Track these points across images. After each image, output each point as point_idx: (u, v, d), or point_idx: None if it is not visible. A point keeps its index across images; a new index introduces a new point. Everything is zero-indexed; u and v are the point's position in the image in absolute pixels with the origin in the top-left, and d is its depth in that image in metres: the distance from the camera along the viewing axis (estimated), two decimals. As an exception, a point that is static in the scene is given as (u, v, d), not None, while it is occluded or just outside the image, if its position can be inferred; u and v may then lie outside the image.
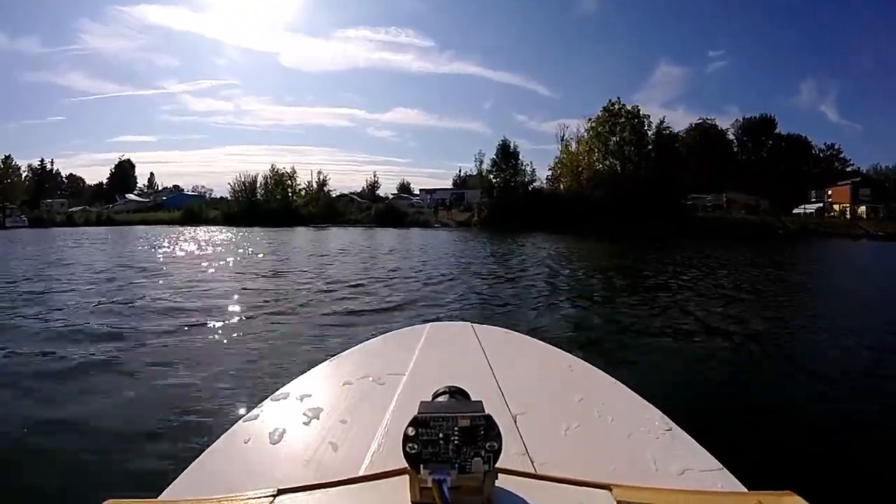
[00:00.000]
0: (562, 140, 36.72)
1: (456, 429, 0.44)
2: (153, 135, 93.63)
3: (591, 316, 5.30)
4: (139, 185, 57.17)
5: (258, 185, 44.82)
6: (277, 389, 0.82)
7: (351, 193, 47.64)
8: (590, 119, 34.68)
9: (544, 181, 37.85)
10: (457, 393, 0.55)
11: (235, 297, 5.93)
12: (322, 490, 0.50)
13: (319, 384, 0.87)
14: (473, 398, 0.53)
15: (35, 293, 6.12)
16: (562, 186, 35.42)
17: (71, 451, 2.11)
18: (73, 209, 43.62)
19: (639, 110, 34.04)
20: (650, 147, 33.50)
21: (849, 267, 13.68)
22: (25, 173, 50.05)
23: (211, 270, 8.98)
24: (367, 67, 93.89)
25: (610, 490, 0.48)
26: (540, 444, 0.63)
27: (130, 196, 50.57)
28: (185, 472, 0.60)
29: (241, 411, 0.73)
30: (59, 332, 4.03)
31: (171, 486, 0.57)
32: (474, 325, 1.17)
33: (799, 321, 5.23)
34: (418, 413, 0.45)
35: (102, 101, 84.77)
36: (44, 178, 53.45)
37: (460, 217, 35.57)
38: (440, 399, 0.54)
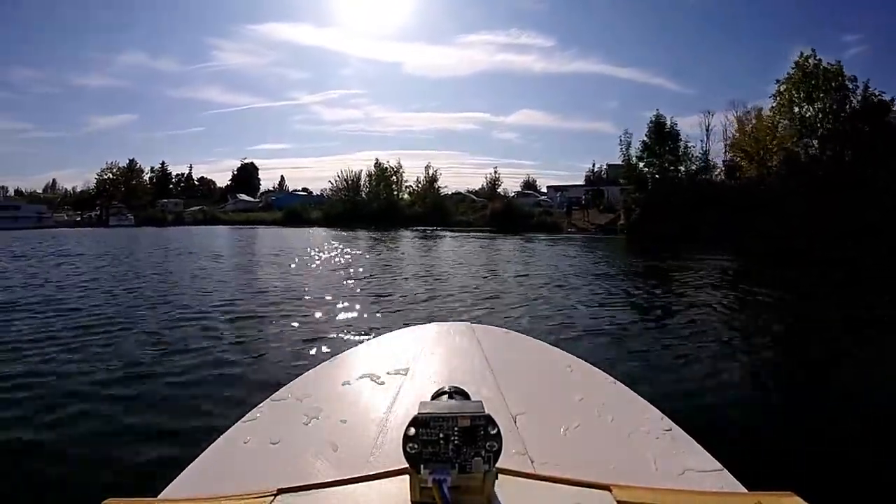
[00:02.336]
0: (707, 131, 26.47)
1: (456, 429, 0.44)
2: (288, 143, 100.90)
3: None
4: (265, 187, 57.65)
5: (362, 182, 39.61)
6: (277, 389, 0.82)
7: (467, 191, 40.02)
8: (779, 82, 22.13)
9: (720, 169, 26.38)
10: (457, 393, 0.55)
11: (236, 297, 5.93)
12: (322, 490, 0.50)
13: (319, 384, 0.87)
14: (473, 398, 0.53)
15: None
16: (741, 174, 23.62)
17: (71, 451, 2.11)
18: (192, 209, 44.70)
19: (841, 68, 21.21)
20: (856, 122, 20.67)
21: None
22: (148, 175, 54.38)
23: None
24: (489, 71, 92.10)
25: (610, 490, 0.48)
26: (540, 444, 0.63)
27: (241, 196, 50.25)
28: (184, 471, 0.60)
29: (241, 411, 0.73)
30: (56, 333, 4.03)
31: (170, 486, 0.57)
32: (474, 325, 1.17)
33: (801, 324, 5.22)
34: (418, 413, 0.45)
35: (238, 112, 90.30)
36: (163, 179, 56.96)
37: (600, 219, 25.60)
38: (440, 399, 0.54)
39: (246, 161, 61.33)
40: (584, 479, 0.50)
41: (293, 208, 39.72)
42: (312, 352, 3.43)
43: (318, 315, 4.91)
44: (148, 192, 51.12)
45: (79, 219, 43.37)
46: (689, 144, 24.04)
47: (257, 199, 49.82)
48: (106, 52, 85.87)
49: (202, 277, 7.73)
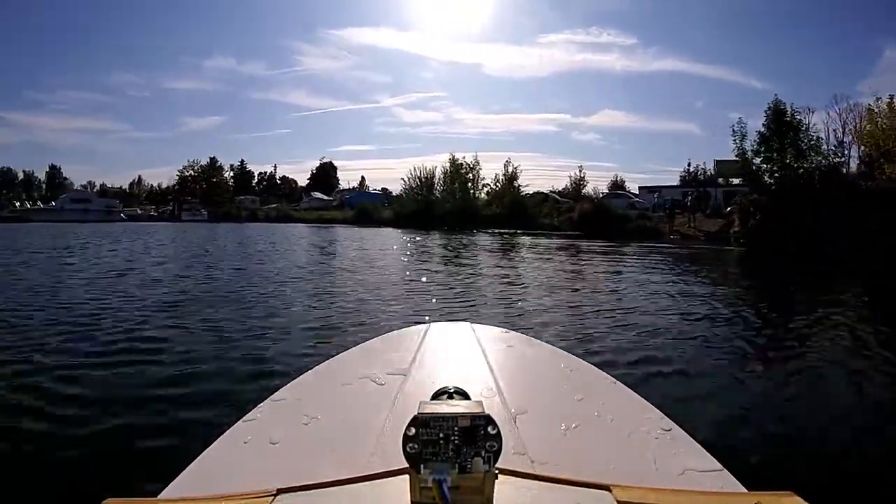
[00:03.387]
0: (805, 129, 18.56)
1: (456, 429, 0.44)
2: (370, 144, 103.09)
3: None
4: (344, 187, 58.23)
5: (436, 180, 35.98)
6: (277, 389, 0.82)
7: (550, 191, 35.90)
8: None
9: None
10: (457, 393, 0.55)
11: (236, 297, 5.93)
12: (322, 490, 0.50)
13: (319, 384, 0.87)
14: (473, 398, 0.53)
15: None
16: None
17: (71, 451, 2.11)
18: (268, 206, 46.30)
19: None
20: None
21: None
22: (229, 173, 57.07)
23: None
24: (570, 70, 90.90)
25: (610, 490, 0.49)
26: (540, 444, 0.63)
27: (316, 194, 50.92)
28: (184, 471, 0.60)
29: (241, 411, 0.73)
30: (52, 334, 4.03)
31: (170, 486, 0.57)
32: (474, 325, 1.17)
33: (802, 324, 5.23)
34: (418, 413, 0.45)
35: (322, 115, 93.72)
36: (242, 177, 59.85)
37: (708, 225, 20.72)
38: (440, 399, 0.54)
39: (324, 160, 62.51)
40: (584, 479, 0.51)
41: (364, 207, 38.30)
42: (310, 349, 3.44)
43: (322, 313, 4.92)
44: (227, 189, 53.04)
45: (152, 213, 46.12)
46: (818, 136, 18.70)
47: (332, 198, 49.67)
48: (197, 58, 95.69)
49: (188, 277, 7.74)
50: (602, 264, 10.64)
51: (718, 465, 0.61)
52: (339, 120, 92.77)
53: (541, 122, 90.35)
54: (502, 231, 24.39)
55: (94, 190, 52.93)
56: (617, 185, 41.06)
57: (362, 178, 61.74)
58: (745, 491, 0.55)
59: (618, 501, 0.47)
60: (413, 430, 0.44)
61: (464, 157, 36.05)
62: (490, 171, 35.90)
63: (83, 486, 1.79)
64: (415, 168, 36.73)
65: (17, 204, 44.75)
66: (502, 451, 0.45)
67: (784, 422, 2.53)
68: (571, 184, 38.35)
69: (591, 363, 0.96)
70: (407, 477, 0.45)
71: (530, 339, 1.14)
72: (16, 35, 78.44)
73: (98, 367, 3.19)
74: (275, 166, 64.32)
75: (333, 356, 0.99)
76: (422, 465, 0.44)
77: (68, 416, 2.46)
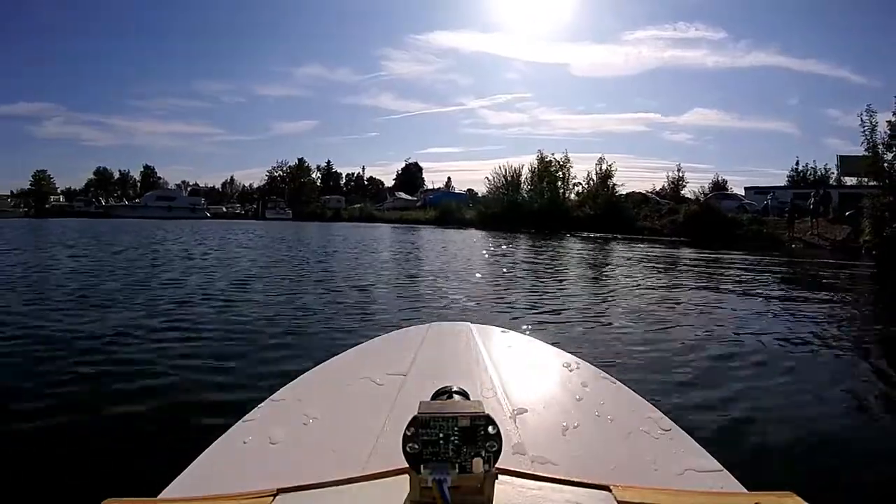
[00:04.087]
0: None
1: (456, 429, 0.44)
2: (456, 146, 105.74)
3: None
4: (428, 186, 58.33)
5: (523, 179, 33.14)
6: (277, 389, 0.82)
7: (648, 192, 32.31)
8: None
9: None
10: (457, 393, 0.55)
11: (237, 297, 5.93)
12: (322, 490, 0.50)
13: (319, 384, 0.87)
14: (473, 398, 0.53)
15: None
16: None
17: (71, 451, 2.11)
18: (353, 206, 47.11)
19: None
20: None
21: None
22: (316, 174, 59.64)
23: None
24: (658, 68, 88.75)
25: (609, 490, 0.49)
26: (540, 444, 0.63)
27: (400, 194, 50.97)
28: (184, 471, 0.60)
29: (241, 411, 0.73)
30: (50, 334, 4.03)
31: (170, 486, 0.57)
32: (474, 325, 1.17)
33: (802, 323, 5.23)
34: (418, 413, 0.45)
35: (409, 118, 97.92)
36: (329, 177, 62.37)
37: (833, 232, 17.22)
38: (440, 399, 0.54)
39: (410, 161, 63.47)
40: (584, 479, 0.51)
41: (447, 206, 36.23)
42: (310, 349, 3.44)
43: (322, 313, 4.91)
44: (314, 189, 55.33)
45: (238, 211, 48.77)
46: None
47: (415, 198, 49.21)
48: (287, 66, 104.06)
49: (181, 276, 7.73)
50: (727, 282, 8.21)
51: (718, 465, 0.61)
52: (426, 122, 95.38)
53: (629, 121, 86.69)
54: (595, 235, 21.47)
55: (188, 189, 55.10)
56: (719, 186, 35.51)
57: (448, 178, 61.46)
58: (745, 491, 0.55)
59: (618, 501, 0.47)
60: (413, 430, 0.44)
61: (552, 154, 32.80)
62: (578, 172, 32.45)
63: (83, 486, 1.79)
64: (500, 166, 33.90)
65: (103, 201, 48.07)
66: (502, 451, 0.45)
67: (784, 422, 2.53)
68: (669, 184, 34.07)
69: (591, 363, 0.96)
70: (407, 477, 0.46)
71: (530, 339, 1.14)
72: (118, 47, 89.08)
73: (98, 366, 3.19)
74: (363, 168, 66.73)
75: (333, 356, 0.99)
76: (422, 465, 0.44)
77: (68, 415, 2.46)
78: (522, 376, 0.89)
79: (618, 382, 0.86)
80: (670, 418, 0.72)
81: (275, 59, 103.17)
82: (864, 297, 7.80)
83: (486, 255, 12.54)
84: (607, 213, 26.05)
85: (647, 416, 0.73)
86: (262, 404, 0.77)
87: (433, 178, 63.79)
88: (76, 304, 5.27)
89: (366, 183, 65.39)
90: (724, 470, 0.60)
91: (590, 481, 0.50)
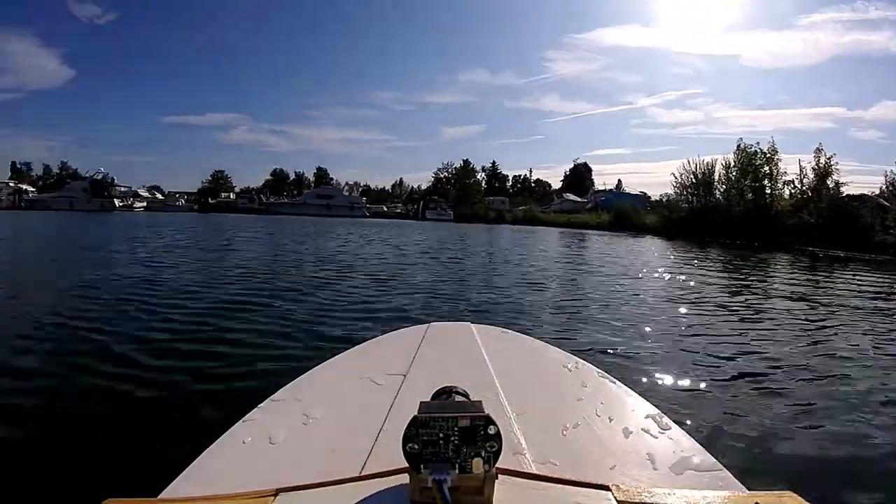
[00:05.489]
0: None
1: (456, 429, 0.44)
2: (625, 147, 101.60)
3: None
4: (596, 187, 56.95)
5: (717, 177, 27.13)
6: (277, 389, 0.82)
7: (876, 194, 24.33)
8: None
9: None
10: (457, 393, 0.55)
11: (238, 297, 5.93)
12: (322, 490, 0.50)
13: (319, 384, 0.87)
14: (473, 398, 0.53)
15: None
16: None
17: (71, 451, 2.11)
18: (517, 208, 46.00)
19: None
20: None
21: None
22: (480, 175, 60.99)
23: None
24: (839, 55, 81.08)
25: (609, 490, 0.49)
26: (540, 444, 0.63)
27: (568, 196, 49.66)
28: (184, 471, 0.60)
29: (242, 411, 0.74)
30: (50, 334, 4.03)
31: (170, 486, 0.57)
32: (474, 325, 1.17)
33: (802, 323, 5.23)
34: (418, 413, 0.45)
35: (575, 119, 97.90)
36: (493, 179, 63.22)
37: None
38: (440, 399, 0.54)
39: (579, 161, 62.80)
40: (583, 478, 0.51)
41: (622, 209, 30.98)
42: (310, 349, 3.44)
43: (322, 312, 4.92)
44: (478, 191, 56.64)
45: (398, 210, 50.72)
46: None
47: (585, 199, 47.21)
48: (452, 73, 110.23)
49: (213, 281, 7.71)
50: None
51: (718, 465, 0.61)
52: (593, 123, 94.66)
53: (811, 117, 75.83)
54: (817, 249, 15.58)
55: (359, 189, 59.89)
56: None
57: (619, 181, 59.25)
58: (745, 490, 0.55)
59: (617, 501, 0.47)
60: (413, 430, 0.44)
61: (757, 144, 25.69)
62: (759, 141, 26.25)
63: (83, 486, 1.79)
64: (689, 161, 27.78)
65: (264, 198, 51.95)
66: (502, 451, 0.45)
67: (784, 422, 2.53)
68: (886, 186, 26.40)
69: (591, 362, 0.96)
70: (407, 477, 0.46)
71: (530, 339, 1.14)
72: (297, 64, 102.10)
73: (97, 366, 3.19)
74: (529, 170, 67.72)
75: (333, 356, 0.99)
76: (422, 465, 0.44)
77: (68, 415, 2.46)
78: (522, 376, 0.89)
79: (618, 382, 0.86)
80: (670, 418, 0.73)
81: (440, 68, 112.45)
82: None
83: (677, 279, 8.56)
84: (832, 221, 19.32)
85: (647, 416, 0.73)
86: (262, 404, 0.77)
87: (601, 182, 59.82)
88: (75, 304, 5.27)
89: (532, 185, 65.22)
90: (724, 469, 0.61)
91: (589, 481, 0.50)
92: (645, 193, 43.36)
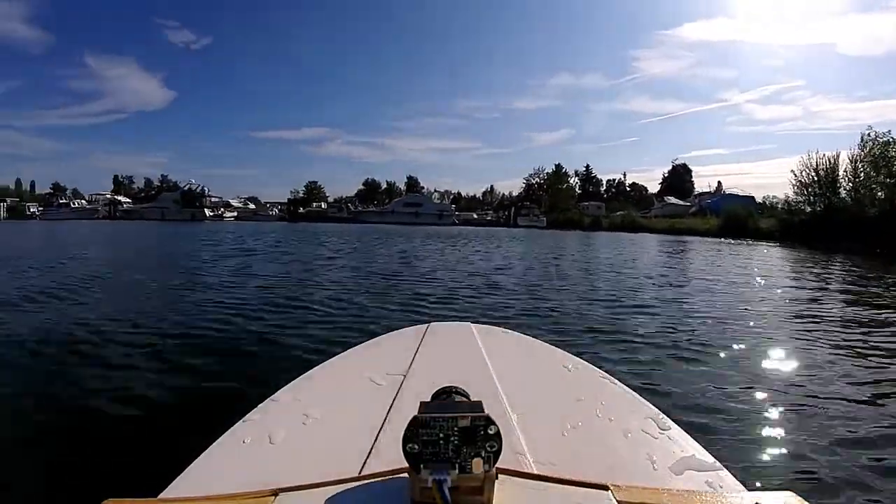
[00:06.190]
0: None
1: (456, 429, 0.44)
2: (723, 147, 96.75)
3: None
4: (697, 189, 55.10)
5: (842, 172, 24.11)
6: (277, 389, 0.82)
7: None
8: None
9: None
10: (457, 393, 0.55)
11: (238, 298, 5.93)
12: (322, 490, 0.50)
13: (319, 384, 0.87)
14: (473, 398, 0.53)
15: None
16: None
17: (71, 451, 2.11)
18: (614, 213, 44.26)
19: None
20: None
21: None
22: (574, 180, 59.86)
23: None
24: None
25: (609, 490, 0.49)
26: (539, 444, 0.63)
27: (670, 199, 46.63)
28: (184, 472, 0.60)
29: (242, 411, 0.74)
30: (52, 333, 4.03)
31: (170, 486, 0.57)
32: (474, 325, 1.17)
33: (804, 321, 5.23)
34: (418, 413, 0.45)
35: (668, 119, 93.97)
36: (587, 183, 61.68)
37: None
38: (440, 399, 0.54)
39: (677, 162, 60.43)
40: (583, 478, 0.51)
41: (733, 213, 27.97)
42: (310, 349, 3.44)
43: (322, 313, 4.91)
44: (572, 196, 55.35)
45: (489, 217, 50.21)
46: None
47: (688, 203, 44.28)
48: (537, 78, 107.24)
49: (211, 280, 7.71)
50: None
51: (718, 465, 0.61)
52: (687, 123, 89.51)
53: None
54: None
55: (450, 197, 59.41)
56: None
57: (718, 183, 56.46)
58: (745, 490, 0.55)
59: (617, 501, 0.47)
60: (413, 431, 0.44)
61: (888, 133, 22.31)
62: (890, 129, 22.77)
63: (83, 486, 1.79)
64: (809, 155, 24.75)
65: (351, 206, 53.68)
66: (502, 451, 0.45)
67: (784, 422, 2.53)
68: None
69: (591, 363, 0.96)
70: (407, 477, 0.46)
71: (530, 339, 1.14)
72: (386, 78, 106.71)
73: (97, 366, 3.19)
74: (623, 174, 64.94)
75: (333, 356, 0.99)
76: (421, 466, 0.44)
77: (68, 415, 2.46)
78: (522, 376, 0.89)
79: (618, 382, 0.86)
80: (670, 418, 0.73)
81: (525, 73, 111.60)
82: None
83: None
84: None
85: (647, 416, 0.73)
86: (262, 404, 0.77)
87: (699, 184, 57.38)
88: (75, 304, 5.27)
89: (628, 189, 63.26)
90: (724, 469, 0.61)
91: (589, 481, 0.50)
92: (750, 196, 40.28)
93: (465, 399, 0.54)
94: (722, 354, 3.79)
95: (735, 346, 4.04)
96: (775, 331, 4.71)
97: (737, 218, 26.83)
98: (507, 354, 1.00)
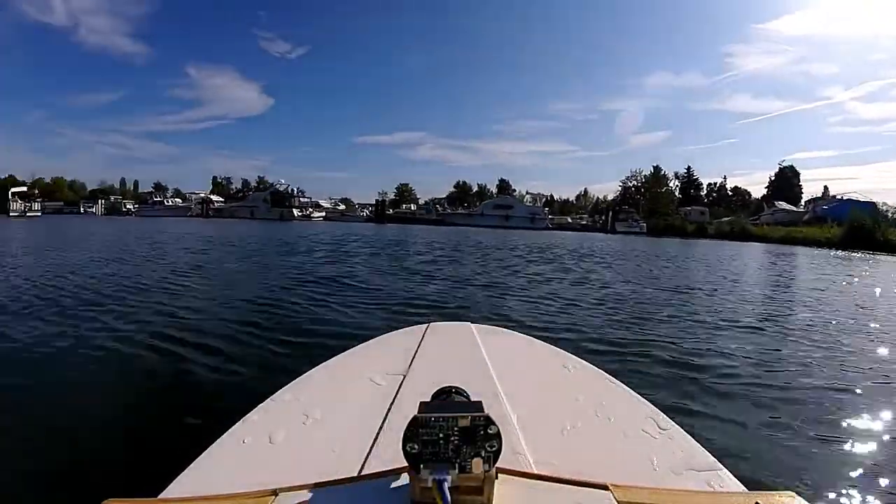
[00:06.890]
0: None
1: (456, 429, 0.44)
2: (829, 149, 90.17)
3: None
4: (805, 196, 51.42)
5: None
6: (278, 389, 0.82)
7: None
8: None
9: None
10: (457, 393, 0.55)
11: (238, 298, 5.93)
12: (322, 490, 0.50)
13: (319, 384, 0.87)
14: (473, 398, 0.53)
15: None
16: None
17: (71, 451, 2.11)
18: (721, 220, 41.99)
19: None
20: None
21: None
22: (673, 183, 56.75)
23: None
24: None
25: (609, 490, 0.49)
26: (539, 444, 0.63)
27: (781, 204, 42.43)
28: (184, 471, 0.60)
29: (242, 411, 0.74)
30: (53, 333, 4.03)
31: (170, 486, 0.57)
32: (474, 325, 1.17)
33: (804, 320, 5.22)
34: (418, 413, 0.45)
35: (770, 120, 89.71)
36: (688, 187, 57.53)
37: None
38: (440, 399, 0.54)
39: (784, 165, 55.58)
40: (583, 478, 0.51)
41: (859, 220, 25.01)
42: (310, 349, 3.44)
43: (322, 313, 4.91)
44: (672, 201, 53.06)
45: (584, 222, 48.65)
46: None
47: (801, 209, 40.43)
48: (633, 78, 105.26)
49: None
50: None
51: (718, 465, 0.61)
52: (789, 123, 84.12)
53: None
54: None
55: (542, 200, 57.13)
56: None
57: (825, 188, 52.16)
58: (745, 491, 0.55)
59: (617, 501, 0.47)
60: (413, 430, 0.44)
61: None
62: None
63: (83, 486, 1.79)
64: None
65: (440, 208, 53.89)
66: (502, 450, 0.45)
67: (785, 421, 2.53)
68: None
69: (591, 363, 0.96)
70: (407, 477, 0.46)
71: (530, 339, 1.14)
72: (481, 83, 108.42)
73: (97, 366, 3.19)
74: (724, 177, 61.35)
75: (333, 356, 0.99)
76: (421, 465, 0.44)
77: (68, 415, 2.46)
78: (522, 376, 0.89)
79: (617, 382, 0.86)
80: (669, 418, 0.73)
81: (620, 73, 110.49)
82: None
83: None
84: None
85: (647, 416, 0.73)
86: (262, 404, 0.77)
87: (806, 190, 52.00)
88: (74, 306, 5.27)
89: (729, 193, 59.82)
90: (724, 469, 0.60)
91: (589, 481, 0.50)
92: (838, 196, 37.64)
93: (465, 399, 0.54)
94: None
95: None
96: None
97: (861, 227, 23.86)
98: (508, 354, 1.00)
